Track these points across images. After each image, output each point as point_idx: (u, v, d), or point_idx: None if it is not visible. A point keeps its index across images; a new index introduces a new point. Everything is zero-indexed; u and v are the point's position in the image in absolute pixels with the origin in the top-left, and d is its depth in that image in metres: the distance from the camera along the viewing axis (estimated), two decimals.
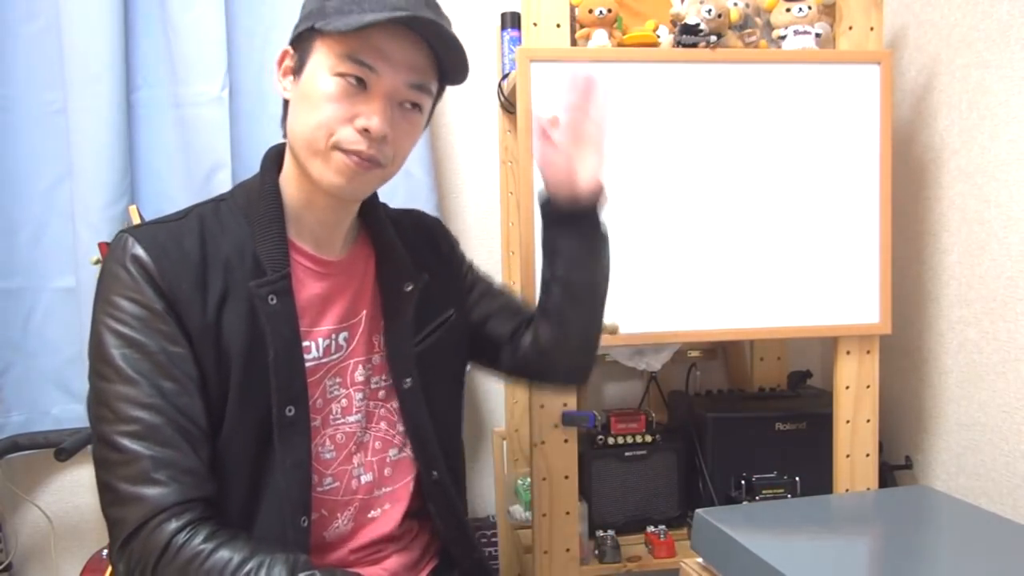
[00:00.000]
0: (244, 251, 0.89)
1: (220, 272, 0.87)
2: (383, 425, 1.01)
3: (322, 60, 0.86)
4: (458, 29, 1.79)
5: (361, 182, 0.89)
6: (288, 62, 0.91)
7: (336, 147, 0.86)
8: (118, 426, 0.81)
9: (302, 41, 0.89)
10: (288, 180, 0.93)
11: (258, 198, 0.92)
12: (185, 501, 0.80)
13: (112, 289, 0.84)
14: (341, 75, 0.85)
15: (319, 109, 0.86)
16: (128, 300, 0.83)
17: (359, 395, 0.98)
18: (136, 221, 1.43)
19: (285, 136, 0.95)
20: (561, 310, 1.04)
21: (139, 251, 0.84)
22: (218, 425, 0.86)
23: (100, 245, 1.43)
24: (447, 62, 0.91)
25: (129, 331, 0.82)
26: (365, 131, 0.85)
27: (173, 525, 0.79)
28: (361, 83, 0.86)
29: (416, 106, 0.90)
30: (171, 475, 0.80)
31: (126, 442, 0.80)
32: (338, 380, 0.96)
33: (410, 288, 1.00)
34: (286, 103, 0.93)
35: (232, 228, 0.91)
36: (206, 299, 0.85)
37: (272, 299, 0.87)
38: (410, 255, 1.02)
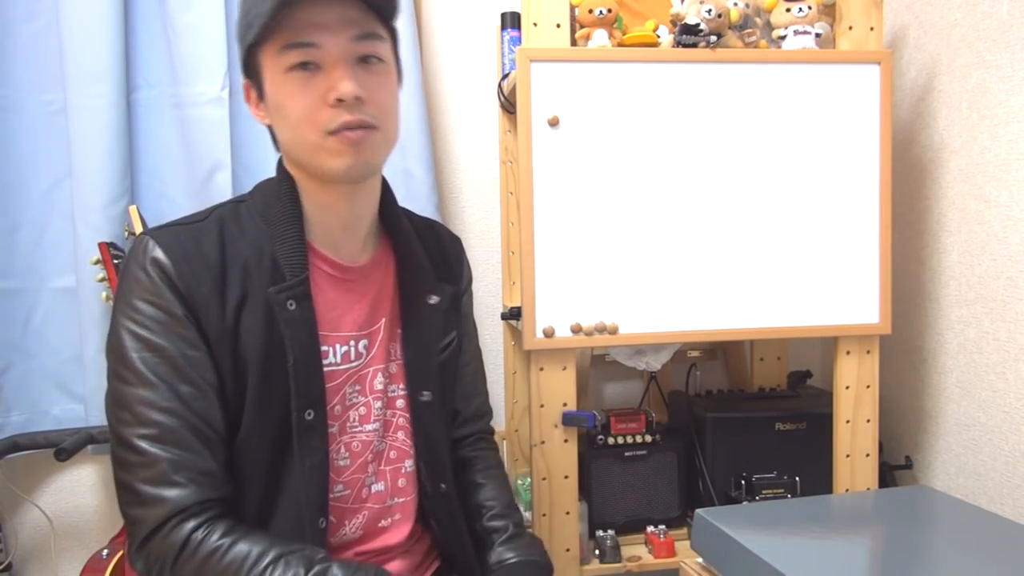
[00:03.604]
0: (262, 254, 0.89)
1: (239, 275, 0.87)
2: (401, 435, 1.01)
3: (271, 67, 0.86)
4: (458, 29, 1.80)
5: (366, 153, 0.88)
6: (252, 92, 0.91)
7: (328, 133, 0.85)
8: (137, 428, 0.82)
9: (250, 66, 0.89)
10: (301, 188, 0.93)
11: (276, 200, 0.92)
12: (204, 501, 0.81)
13: (132, 292, 0.84)
14: (291, 68, 0.84)
15: (292, 109, 0.85)
16: (147, 303, 0.84)
17: (378, 403, 0.98)
18: (136, 221, 1.43)
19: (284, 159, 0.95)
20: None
21: (159, 254, 0.84)
22: (235, 428, 0.87)
23: (100, 245, 1.43)
24: (371, 1, 0.87)
25: (148, 334, 0.83)
26: (339, 101, 0.84)
27: (191, 523, 0.80)
28: (313, 64, 0.84)
29: (377, 58, 0.88)
30: (190, 477, 0.81)
31: (145, 444, 0.81)
32: (358, 388, 0.96)
33: (434, 301, 1.00)
34: (271, 130, 0.93)
35: (251, 231, 0.90)
36: (224, 303, 0.86)
37: (291, 304, 0.87)
38: (430, 265, 1.02)
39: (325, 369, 0.91)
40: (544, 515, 1.36)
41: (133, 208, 1.44)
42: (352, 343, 0.95)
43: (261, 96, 0.90)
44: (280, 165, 0.95)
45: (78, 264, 1.50)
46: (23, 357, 1.55)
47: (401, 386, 1.00)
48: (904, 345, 1.61)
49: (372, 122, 0.87)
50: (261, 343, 0.86)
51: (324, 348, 0.92)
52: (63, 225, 1.54)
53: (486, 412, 1.18)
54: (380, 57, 0.88)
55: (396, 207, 1.02)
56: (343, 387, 0.94)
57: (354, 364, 0.96)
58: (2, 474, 1.58)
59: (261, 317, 0.87)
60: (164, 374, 0.82)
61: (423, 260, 1.01)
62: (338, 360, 0.94)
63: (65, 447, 1.32)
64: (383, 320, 0.99)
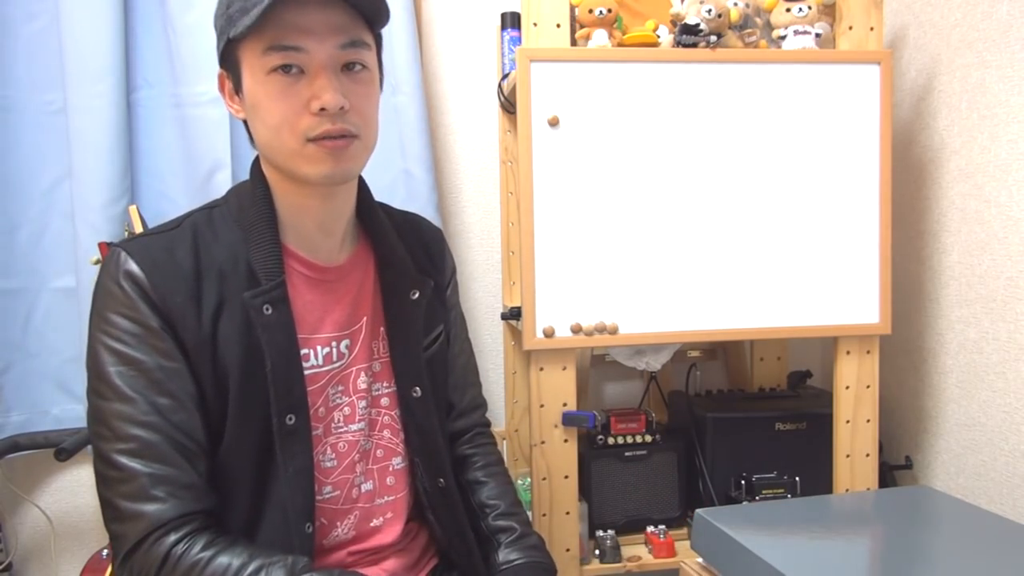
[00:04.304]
0: (238, 259, 0.88)
1: (214, 282, 0.86)
2: (386, 433, 1.00)
3: (252, 65, 0.84)
4: (458, 29, 1.80)
5: (345, 161, 0.87)
6: (228, 83, 0.90)
7: (308, 140, 0.84)
8: (116, 444, 0.81)
9: (228, 58, 0.87)
10: (275, 190, 0.92)
11: (250, 204, 0.91)
12: (184, 515, 0.81)
13: (107, 306, 0.84)
14: (273, 70, 0.83)
15: (271, 112, 0.84)
16: (123, 317, 0.83)
17: (362, 403, 0.97)
18: (136, 221, 1.43)
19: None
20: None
21: (132, 266, 0.83)
22: (218, 436, 0.86)
23: (100, 245, 1.43)
24: (363, 7, 0.86)
25: (124, 348, 0.82)
26: (322, 111, 0.83)
27: (172, 537, 0.80)
28: (296, 68, 0.83)
29: (361, 66, 0.87)
30: (170, 491, 0.81)
31: (124, 460, 0.81)
32: (340, 388, 0.95)
33: (417, 296, 0.99)
34: (246, 123, 0.91)
35: (225, 236, 0.89)
36: (201, 311, 0.85)
37: (267, 309, 0.86)
38: (411, 259, 1.01)
39: (307, 372, 0.91)
40: (544, 515, 1.36)
41: (133, 208, 1.44)
42: (334, 344, 0.94)
43: (237, 89, 0.88)
44: (255, 167, 0.94)
45: (78, 264, 1.50)
46: (23, 357, 1.55)
47: (386, 384, 1.00)
48: (904, 345, 1.61)
49: (354, 131, 0.86)
50: (240, 349, 0.85)
51: (305, 351, 0.91)
52: (63, 225, 1.54)
53: (481, 403, 1.17)
54: (365, 65, 0.87)
55: (373, 204, 1.01)
56: (326, 388, 0.94)
57: (336, 365, 0.95)
58: (2, 474, 1.58)
59: (239, 323, 0.86)
60: (141, 388, 0.82)
61: (403, 256, 1.00)
62: (320, 362, 0.93)
63: (65, 447, 1.32)
64: (365, 319, 0.98)
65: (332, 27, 0.83)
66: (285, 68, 0.83)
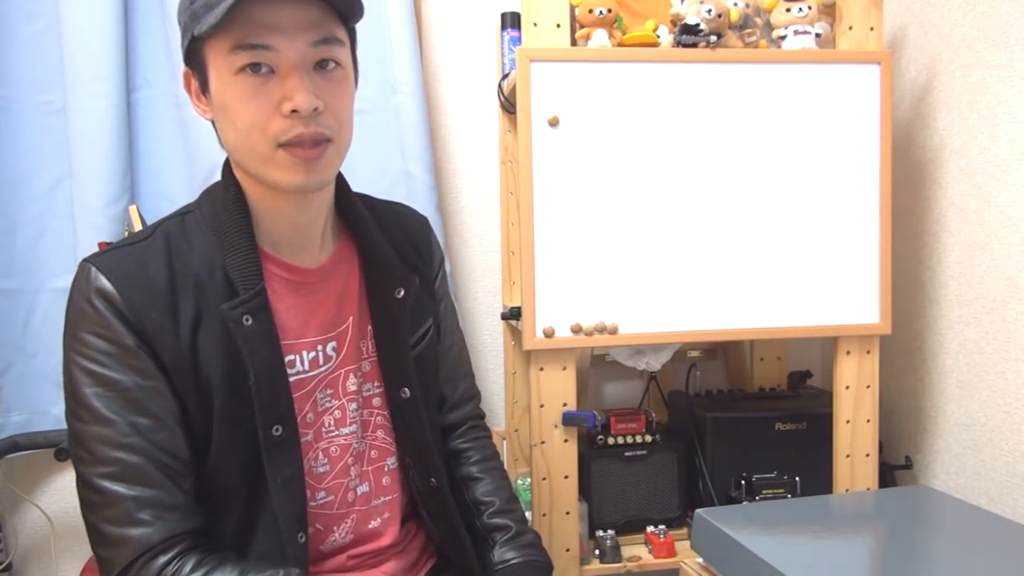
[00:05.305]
0: (214, 267, 0.85)
1: (191, 294, 0.83)
2: (380, 434, 0.98)
3: (218, 64, 0.80)
4: (458, 29, 1.80)
5: (319, 170, 0.83)
6: (194, 82, 0.86)
7: (279, 145, 0.80)
8: (97, 468, 0.80)
9: (193, 56, 0.83)
10: (248, 193, 0.88)
11: (223, 208, 0.87)
12: (171, 537, 0.80)
13: (79, 325, 0.81)
14: (241, 69, 0.78)
15: (240, 114, 0.80)
16: (96, 336, 0.80)
17: (353, 405, 0.95)
18: (136, 221, 1.43)
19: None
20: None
21: (103, 283, 0.80)
22: (205, 451, 0.84)
23: (100, 245, 1.43)
24: (335, 2, 0.81)
25: (100, 368, 0.80)
26: (294, 112, 0.78)
27: (161, 560, 0.78)
28: (266, 67, 0.79)
29: (335, 63, 0.83)
30: (155, 514, 0.79)
31: (106, 484, 0.79)
32: (329, 392, 0.93)
33: (402, 294, 0.95)
34: (213, 123, 0.87)
35: (200, 243, 0.86)
36: (178, 326, 0.81)
37: (247, 320, 0.83)
38: (396, 255, 0.97)
39: (293, 378, 0.88)
40: (544, 515, 1.36)
41: (133, 208, 1.44)
42: (320, 348, 0.91)
43: (204, 89, 0.84)
44: (226, 168, 0.90)
45: (78, 264, 1.50)
46: (23, 357, 1.55)
47: (376, 383, 0.97)
48: (904, 345, 1.61)
49: (328, 134, 0.82)
50: (221, 362, 0.82)
51: (290, 357, 0.88)
52: (63, 225, 1.54)
53: (474, 395, 1.14)
54: (338, 62, 0.83)
55: (352, 197, 0.97)
56: (314, 393, 0.91)
57: (323, 369, 0.92)
58: (2, 474, 1.58)
59: (219, 336, 0.83)
60: (119, 408, 0.79)
61: (388, 252, 0.96)
62: (306, 367, 0.90)
63: (65, 447, 1.32)
64: (351, 318, 0.95)
65: (303, 23, 0.79)
66: (254, 67, 0.78)
